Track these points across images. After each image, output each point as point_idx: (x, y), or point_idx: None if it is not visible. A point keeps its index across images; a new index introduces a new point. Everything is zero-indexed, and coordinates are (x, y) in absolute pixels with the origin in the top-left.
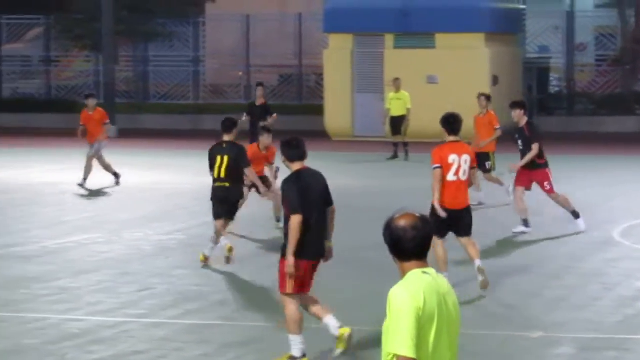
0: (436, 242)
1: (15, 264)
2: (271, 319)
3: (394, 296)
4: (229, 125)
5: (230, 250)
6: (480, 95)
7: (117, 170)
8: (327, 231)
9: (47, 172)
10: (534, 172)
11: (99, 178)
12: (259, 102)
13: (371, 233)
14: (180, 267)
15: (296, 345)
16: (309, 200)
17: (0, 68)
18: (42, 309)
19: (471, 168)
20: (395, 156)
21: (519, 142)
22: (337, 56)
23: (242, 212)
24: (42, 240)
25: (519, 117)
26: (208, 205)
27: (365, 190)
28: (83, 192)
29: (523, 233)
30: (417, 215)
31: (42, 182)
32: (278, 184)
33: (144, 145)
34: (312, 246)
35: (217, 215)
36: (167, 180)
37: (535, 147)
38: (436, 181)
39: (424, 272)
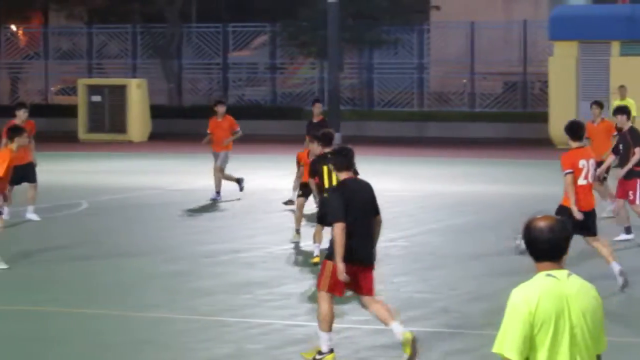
0: None
1: (240, 270)
2: (494, 327)
3: (510, 296)
4: (329, 138)
5: None
6: (592, 103)
7: (238, 178)
8: (373, 239)
9: (272, 179)
10: (627, 180)
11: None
12: (317, 119)
13: None
14: (402, 274)
15: (324, 341)
16: (354, 208)
17: (227, 75)
18: (266, 314)
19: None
20: None
21: (620, 146)
22: (562, 63)
23: None
24: (267, 246)
25: (623, 123)
26: (432, 213)
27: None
28: (310, 198)
29: (627, 240)
30: (556, 218)
31: (268, 189)
32: None
33: (369, 152)
34: (356, 252)
35: None
36: (392, 188)
37: (637, 152)
38: (569, 185)
39: (549, 275)
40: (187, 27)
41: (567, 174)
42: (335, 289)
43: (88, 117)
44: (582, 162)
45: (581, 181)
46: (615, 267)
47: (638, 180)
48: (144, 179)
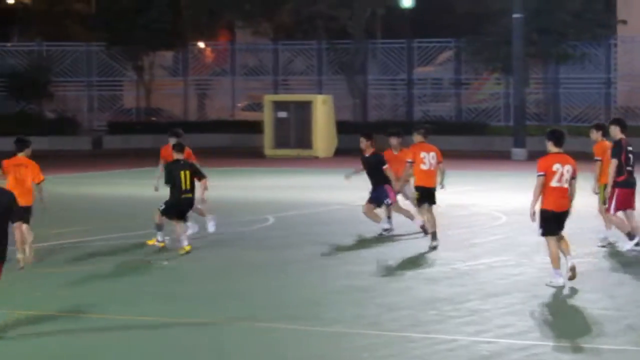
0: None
1: (424, 285)
2: None
3: None
4: None
5: None
6: (592, 127)
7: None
8: None
9: (458, 194)
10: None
11: (512, 201)
12: (368, 152)
13: None
14: (590, 291)
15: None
16: None
17: (412, 91)
18: (452, 331)
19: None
20: None
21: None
22: None
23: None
24: (452, 262)
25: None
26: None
27: None
28: (495, 214)
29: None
30: None
31: (453, 204)
32: None
33: None
34: None
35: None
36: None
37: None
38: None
39: None
40: (372, 43)
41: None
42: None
43: (274, 133)
44: (556, 166)
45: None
46: (569, 261)
47: (616, 191)
48: (330, 194)
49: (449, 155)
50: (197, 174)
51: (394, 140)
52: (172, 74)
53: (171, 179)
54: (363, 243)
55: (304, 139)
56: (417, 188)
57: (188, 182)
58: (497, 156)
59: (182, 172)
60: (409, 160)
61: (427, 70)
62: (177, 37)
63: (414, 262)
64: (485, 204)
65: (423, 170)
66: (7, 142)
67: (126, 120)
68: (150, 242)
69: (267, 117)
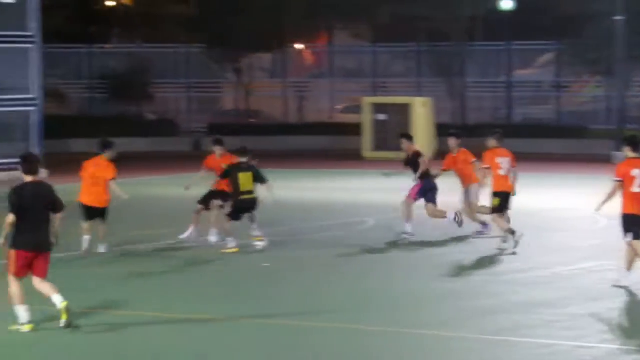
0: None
1: (522, 289)
2: None
3: None
4: None
5: None
6: None
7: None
8: None
9: (558, 198)
10: None
11: (612, 205)
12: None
13: None
14: None
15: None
16: None
17: (512, 94)
18: (552, 335)
19: None
20: None
21: None
22: None
23: None
24: (552, 266)
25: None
26: None
27: None
28: (595, 218)
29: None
30: None
31: (553, 208)
32: None
33: None
34: None
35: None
36: None
37: None
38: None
39: None
40: (471, 46)
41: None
42: None
43: (373, 136)
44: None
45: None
46: None
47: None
48: None
49: (548, 159)
50: (258, 179)
51: (452, 142)
52: (270, 75)
53: (231, 180)
54: (460, 245)
55: None
56: (497, 194)
57: (247, 184)
58: (597, 160)
59: (240, 174)
60: (486, 166)
61: (527, 72)
62: (277, 39)
63: (512, 265)
64: (586, 208)
65: (501, 175)
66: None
67: (225, 122)
68: (227, 251)
69: (365, 119)
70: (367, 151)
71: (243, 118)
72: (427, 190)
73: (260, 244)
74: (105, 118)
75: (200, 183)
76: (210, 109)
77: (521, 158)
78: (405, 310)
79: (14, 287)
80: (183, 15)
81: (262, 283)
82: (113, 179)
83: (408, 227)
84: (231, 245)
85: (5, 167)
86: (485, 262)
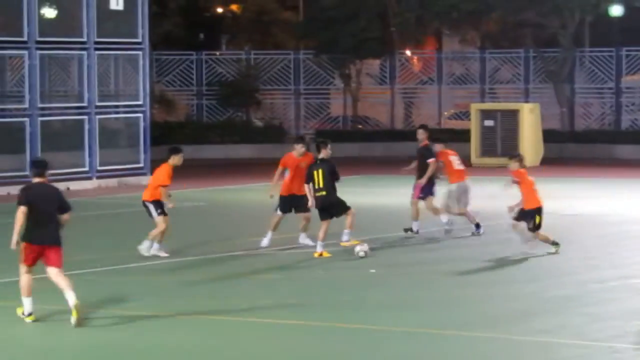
0: None
1: (632, 296)
2: None
3: None
4: None
5: None
6: None
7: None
8: None
9: None
10: None
11: None
12: (422, 144)
13: None
14: None
15: None
16: None
17: (620, 99)
18: None
19: None
20: None
21: None
22: None
23: None
24: None
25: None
26: None
27: None
28: None
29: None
30: None
31: None
32: None
33: None
34: None
35: None
36: None
37: None
38: None
39: None
40: (580, 52)
41: None
42: None
43: (480, 142)
44: None
45: None
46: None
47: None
48: None
49: None
50: (333, 175)
51: (438, 147)
52: (379, 82)
53: (309, 178)
54: (569, 251)
55: (510, 148)
56: (539, 210)
57: (321, 181)
58: None
59: (315, 171)
60: (516, 180)
61: (636, 78)
62: (385, 46)
63: (621, 272)
64: None
65: (536, 190)
66: (216, 150)
67: (333, 129)
68: (322, 255)
69: (473, 125)
70: (475, 157)
71: (351, 124)
72: (430, 187)
73: (359, 248)
74: (213, 125)
75: (279, 184)
76: (317, 115)
77: (628, 165)
78: (515, 317)
79: (23, 278)
80: (292, 21)
81: (374, 289)
82: (162, 185)
83: (444, 220)
84: (345, 239)
85: (115, 174)
86: (596, 267)
